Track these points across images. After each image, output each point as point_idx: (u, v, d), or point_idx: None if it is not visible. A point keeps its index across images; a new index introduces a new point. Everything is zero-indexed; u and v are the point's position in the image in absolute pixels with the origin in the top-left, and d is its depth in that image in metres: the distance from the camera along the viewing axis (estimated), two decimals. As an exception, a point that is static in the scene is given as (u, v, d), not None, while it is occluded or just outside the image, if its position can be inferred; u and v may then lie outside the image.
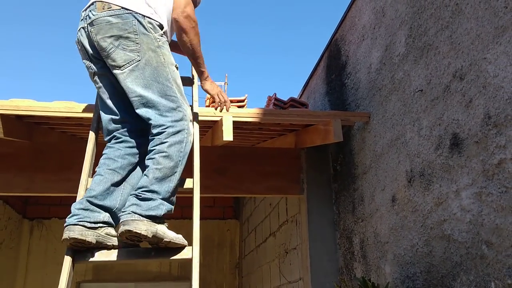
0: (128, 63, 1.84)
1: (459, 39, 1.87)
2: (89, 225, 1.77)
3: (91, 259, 1.90)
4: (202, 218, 2.02)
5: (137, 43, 1.85)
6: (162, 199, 1.82)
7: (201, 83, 2.18)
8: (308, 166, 3.29)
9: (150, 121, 1.85)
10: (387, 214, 2.43)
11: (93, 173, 2.10)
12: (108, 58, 1.86)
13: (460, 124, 1.84)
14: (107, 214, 1.85)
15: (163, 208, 1.80)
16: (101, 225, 1.81)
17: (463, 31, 1.85)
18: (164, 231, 1.80)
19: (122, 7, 1.86)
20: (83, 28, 1.93)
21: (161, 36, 1.93)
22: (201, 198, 2.04)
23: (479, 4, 1.75)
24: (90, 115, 2.50)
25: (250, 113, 2.68)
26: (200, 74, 2.10)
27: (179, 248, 1.89)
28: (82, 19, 1.95)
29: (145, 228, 1.73)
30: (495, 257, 1.61)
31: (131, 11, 1.87)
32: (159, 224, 1.80)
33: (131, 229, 1.71)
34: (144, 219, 1.75)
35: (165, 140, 1.82)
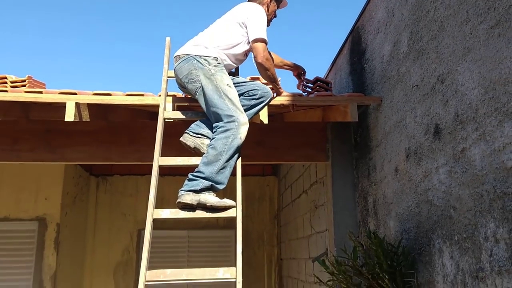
0: (195, 91, 2.76)
1: (442, 50, 2.40)
2: (192, 133, 2.82)
3: (165, 217, 2.66)
4: (244, 174, 2.79)
5: (197, 74, 2.76)
6: (205, 178, 2.64)
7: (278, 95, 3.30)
8: (333, 137, 3.89)
9: (213, 122, 2.76)
10: (392, 181, 3.04)
11: (162, 152, 2.84)
12: (186, 90, 2.90)
13: (440, 117, 2.40)
14: (209, 131, 2.82)
15: (201, 185, 2.63)
16: (200, 136, 2.82)
17: (445, 44, 2.37)
18: (206, 198, 2.62)
19: (186, 54, 2.86)
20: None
21: (215, 66, 2.70)
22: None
23: (455, 26, 2.27)
24: (157, 102, 3.18)
25: (283, 99, 3.29)
26: (277, 92, 3.25)
27: (226, 208, 2.64)
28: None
29: (189, 198, 2.61)
30: (458, 218, 2.22)
31: (190, 55, 2.84)
32: (202, 194, 2.63)
33: (180, 200, 2.61)
34: (189, 192, 2.61)
35: (214, 136, 2.61)
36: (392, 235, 2.98)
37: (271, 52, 3.32)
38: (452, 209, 2.28)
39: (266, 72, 3.02)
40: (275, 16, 3.33)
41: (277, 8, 3.32)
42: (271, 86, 3.23)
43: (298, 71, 3.70)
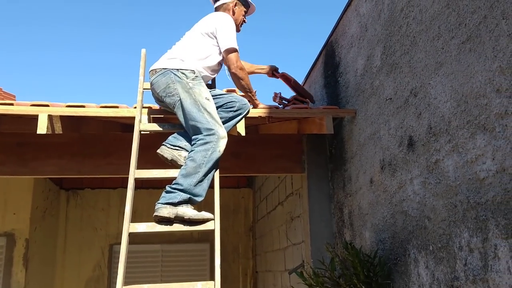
0: (174, 105, 2.72)
1: (414, 64, 2.47)
2: (169, 146, 2.80)
3: (141, 230, 2.62)
4: (219, 187, 2.74)
5: (175, 88, 2.75)
6: (183, 190, 2.60)
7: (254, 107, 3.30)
8: (309, 149, 3.93)
9: (191, 135, 2.74)
10: (367, 192, 3.08)
11: (137, 165, 2.80)
12: (163, 103, 2.88)
13: (414, 129, 2.46)
14: (187, 143, 2.80)
15: (179, 197, 2.59)
16: (178, 148, 2.79)
17: (417, 59, 2.44)
18: (184, 211, 2.59)
19: (162, 68, 2.85)
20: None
21: (193, 79, 2.71)
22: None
23: (427, 42, 2.34)
24: (132, 114, 3.14)
25: (260, 111, 3.31)
26: (253, 103, 3.24)
27: (204, 220, 2.62)
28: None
29: (167, 211, 2.58)
30: (432, 228, 2.27)
31: (167, 69, 2.83)
32: (180, 207, 2.60)
33: (157, 214, 2.57)
34: (167, 206, 2.57)
35: (193, 148, 2.60)
36: (368, 246, 3.01)
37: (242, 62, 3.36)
38: (426, 219, 2.32)
39: (240, 82, 3.06)
40: (244, 22, 3.34)
41: (246, 13, 3.32)
42: (247, 98, 3.24)
43: (272, 69, 3.75)
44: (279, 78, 3.85)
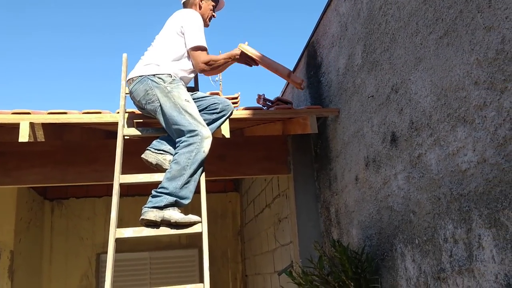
0: (155, 111, 2.78)
1: (395, 61, 2.50)
2: (153, 150, 2.79)
3: (128, 235, 2.60)
4: (206, 192, 2.74)
5: (154, 94, 2.76)
6: (169, 193, 2.59)
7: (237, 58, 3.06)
8: (294, 149, 3.94)
9: (175, 139, 2.74)
10: (353, 189, 3.10)
11: (122, 171, 2.79)
12: (145, 110, 2.89)
13: (396, 125, 2.49)
14: (171, 147, 2.79)
15: (165, 201, 2.58)
16: (162, 152, 2.78)
17: (397, 55, 2.47)
18: (171, 215, 2.58)
19: (139, 76, 2.85)
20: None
21: (171, 83, 2.71)
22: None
23: (406, 38, 2.37)
24: (115, 119, 3.12)
25: (244, 113, 3.32)
26: (235, 59, 3.03)
27: (191, 224, 2.61)
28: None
29: (153, 215, 2.56)
30: (417, 221, 2.29)
31: (143, 76, 2.83)
32: (167, 210, 2.59)
33: (144, 217, 2.56)
34: (153, 209, 2.56)
35: (177, 151, 2.60)
36: (355, 243, 3.03)
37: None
38: (411, 213, 2.35)
39: (213, 72, 3.02)
40: (213, 16, 3.23)
41: (214, 8, 3.22)
42: (231, 62, 3.06)
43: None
44: (247, 60, 3.44)
